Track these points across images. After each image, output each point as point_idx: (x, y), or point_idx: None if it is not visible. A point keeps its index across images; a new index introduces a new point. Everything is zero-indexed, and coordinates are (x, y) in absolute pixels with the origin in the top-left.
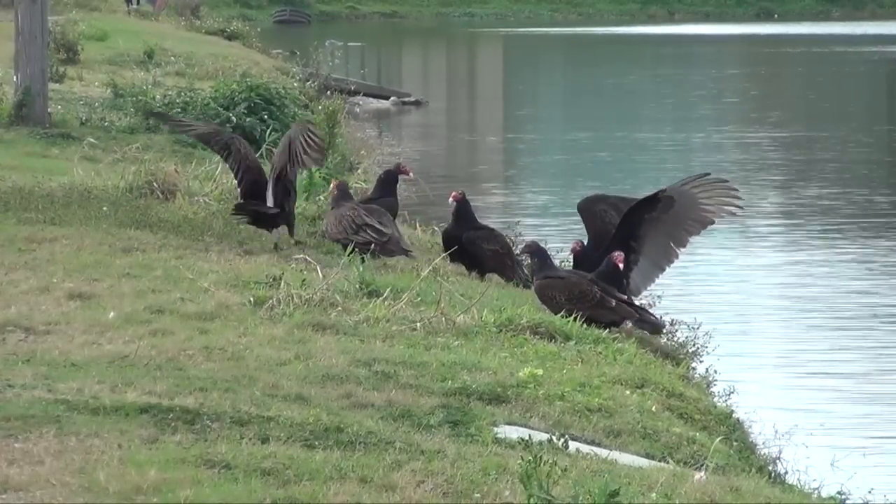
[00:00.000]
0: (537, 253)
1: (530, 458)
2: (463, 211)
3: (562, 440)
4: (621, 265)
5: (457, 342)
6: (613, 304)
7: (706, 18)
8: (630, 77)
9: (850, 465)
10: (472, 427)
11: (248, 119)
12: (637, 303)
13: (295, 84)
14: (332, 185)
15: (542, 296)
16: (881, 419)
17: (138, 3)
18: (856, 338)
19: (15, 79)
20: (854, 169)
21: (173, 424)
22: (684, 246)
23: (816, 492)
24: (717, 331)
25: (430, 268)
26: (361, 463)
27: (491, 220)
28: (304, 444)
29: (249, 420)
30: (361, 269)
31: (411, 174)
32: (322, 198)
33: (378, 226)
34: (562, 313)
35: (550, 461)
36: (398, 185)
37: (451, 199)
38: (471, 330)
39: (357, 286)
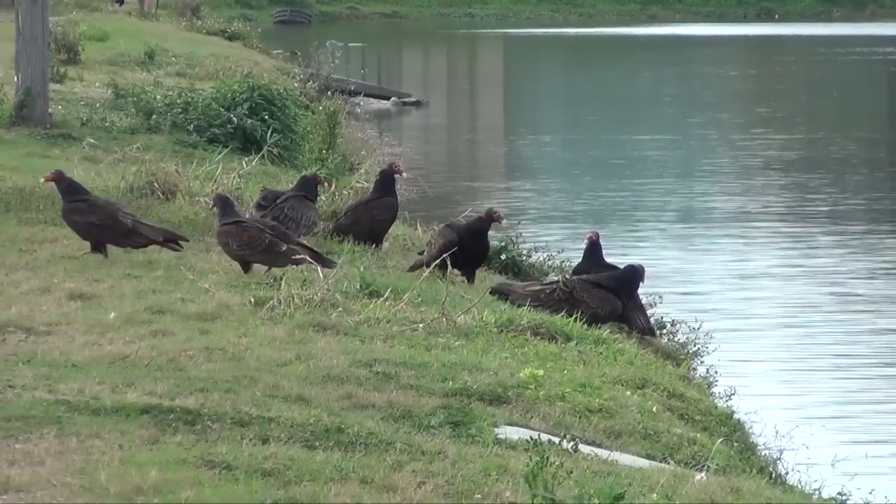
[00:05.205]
0: (218, 202)
1: (537, 458)
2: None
3: (571, 443)
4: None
5: (458, 343)
6: (284, 248)
7: (707, 19)
8: (630, 78)
9: (851, 465)
10: (472, 428)
11: (249, 120)
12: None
13: (296, 84)
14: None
15: (220, 242)
16: (882, 420)
17: (121, 3)
18: (857, 338)
19: (16, 79)
20: (855, 170)
21: (174, 425)
22: None
23: (817, 492)
24: (718, 331)
25: (431, 268)
26: (362, 464)
27: None
28: (304, 445)
29: (250, 421)
30: (362, 269)
31: (404, 173)
32: (322, 198)
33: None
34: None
35: (557, 462)
36: (397, 185)
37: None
38: (472, 330)
39: (358, 287)
